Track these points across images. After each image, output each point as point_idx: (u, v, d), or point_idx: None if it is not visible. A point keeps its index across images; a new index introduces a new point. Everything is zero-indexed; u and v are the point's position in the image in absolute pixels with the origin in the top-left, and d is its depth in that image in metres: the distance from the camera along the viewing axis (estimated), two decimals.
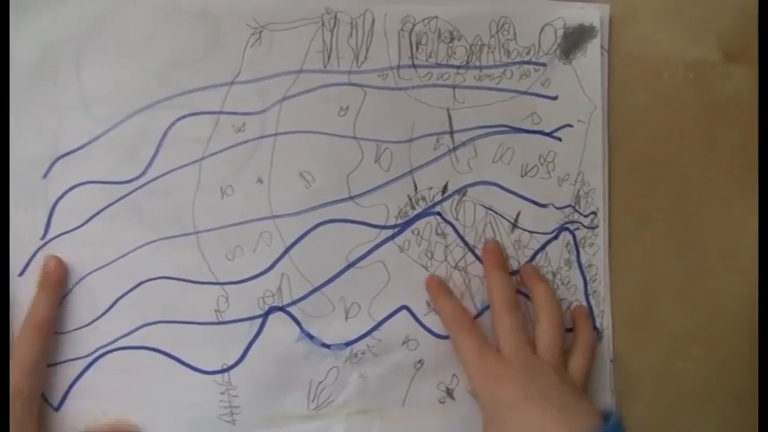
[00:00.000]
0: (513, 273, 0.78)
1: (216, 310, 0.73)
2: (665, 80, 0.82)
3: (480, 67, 0.77)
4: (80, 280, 0.71)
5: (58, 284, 0.69)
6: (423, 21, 0.76)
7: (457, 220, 0.77)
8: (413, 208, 0.76)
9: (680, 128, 0.83)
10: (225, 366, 0.73)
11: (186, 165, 0.72)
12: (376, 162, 0.75)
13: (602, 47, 0.79)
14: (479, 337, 0.73)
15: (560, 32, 0.78)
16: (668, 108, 0.82)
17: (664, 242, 0.83)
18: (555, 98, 0.79)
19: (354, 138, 0.75)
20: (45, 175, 0.70)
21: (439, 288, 0.76)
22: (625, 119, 0.81)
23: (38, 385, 0.67)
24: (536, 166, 0.78)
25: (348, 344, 0.75)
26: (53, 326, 0.68)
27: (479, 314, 0.78)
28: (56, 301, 0.69)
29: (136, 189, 0.71)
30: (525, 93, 0.78)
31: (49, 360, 0.70)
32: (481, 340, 0.73)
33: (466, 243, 0.77)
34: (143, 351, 0.72)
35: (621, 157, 0.81)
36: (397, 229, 0.76)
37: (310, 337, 0.74)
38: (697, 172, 0.83)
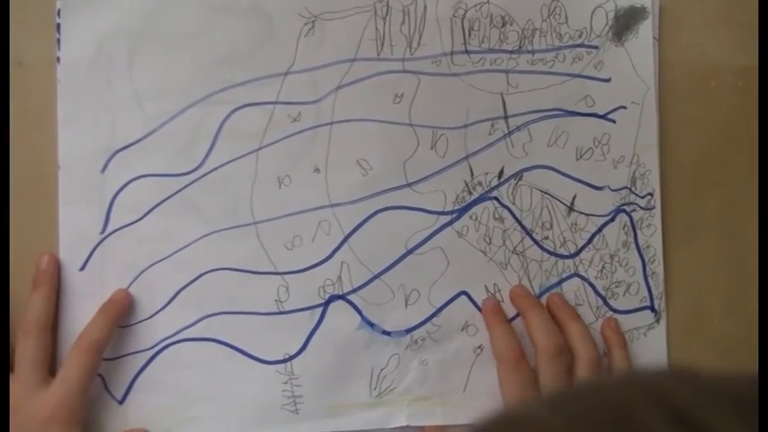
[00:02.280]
0: (572, 255, 0.74)
1: (276, 300, 0.70)
2: (713, 88, 0.78)
3: (533, 52, 0.73)
4: (140, 273, 0.69)
5: (119, 315, 0.67)
6: (474, 6, 0.72)
7: (514, 204, 0.73)
8: (470, 193, 0.72)
9: (729, 136, 0.78)
10: (287, 356, 0.70)
11: (243, 156, 0.70)
12: (432, 148, 0.72)
13: (653, 36, 0.75)
14: (526, 375, 0.69)
15: (611, 14, 0.74)
16: (717, 116, 0.78)
17: (713, 250, 0.78)
18: (608, 80, 0.75)
19: (410, 125, 0.71)
20: (103, 170, 0.68)
21: (494, 316, 0.72)
22: (674, 126, 0.76)
23: (78, 407, 0.63)
24: (591, 148, 0.74)
25: (408, 331, 0.72)
26: (103, 349, 0.65)
27: (538, 297, 0.74)
28: (111, 326, 0.66)
29: (193, 181, 0.69)
30: (578, 76, 0.74)
31: (113, 354, 0.68)
32: (527, 379, 0.69)
33: (524, 227, 0.73)
34: (205, 342, 0.69)
35: (670, 165, 0.76)
36: (454, 215, 0.72)
37: (371, 324, 0.71)
38: (746, 179, 0.78)
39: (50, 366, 0.65)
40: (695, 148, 0.77)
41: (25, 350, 0.63)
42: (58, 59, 0.67)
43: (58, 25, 0.67)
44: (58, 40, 0.67)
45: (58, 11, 0.67)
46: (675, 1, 0.76)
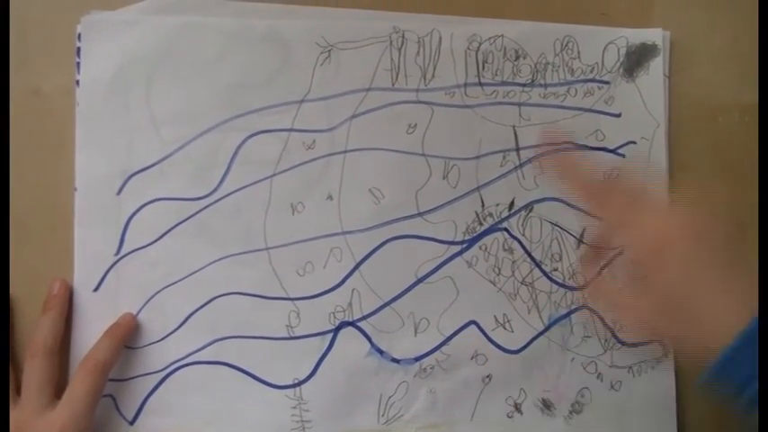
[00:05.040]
0: (581, 288, 0.72)
1: (287, 326, 0.68)
2: (720, 124, 0.76)
3: (545, 85, 0.72)
4: (153, 295, 0.67)
5: (125, 337, 0.65)
6: (489, 39, 0.71)
7: (524, 235, 0.72)
8: (480, 224, 0.71)
9: (735, 171, 0.76)
10: (296, 381, 0.68)
11: (257, 182, 0.68)
12: (444, 179, 0.71)
13: (664, 74, 0.74)
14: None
15: (623, 51, 0.73)
16: (723, 152, 0.76)
17: None
18: (618, 115, 0.73)
19: (423, 155, 0.70)
20: (119, 192, 0.66)
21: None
22: (680, 161, 0.75)
23: (84, 428, 0.61)
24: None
25: (417, 359, 0.70)
26: (108, 371, 0.63)
27: (547, 328, 0.72)
28: (117, 349, 0.64)
29: (208, 206, 0.68)
30: (589, 110, 0.73)
31: (124, 375, 0.67)
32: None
33: (533, 259, 0.72)
34: (215, 366, 0.68)
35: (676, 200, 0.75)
36: (464, 245, 0.71)
37: (380, 351, 0.69)
38: (752, 215, 0.76)
39: (60, 389, 0.63)
40: (701, 183, 0.76)
41: (32, 373, 0.61)
42: (78, 83, 0.66)
43: (78, 49, 0.66)
44: (78, 64, 0.66)
45: (79, 35, 0.66)
46: (684, 37, 0.75)
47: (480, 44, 0.71)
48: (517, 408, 0.72)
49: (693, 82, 0.75)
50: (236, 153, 0.68)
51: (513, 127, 0.72)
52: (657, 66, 0.74)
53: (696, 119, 0.76)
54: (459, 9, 0.71)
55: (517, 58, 0.72)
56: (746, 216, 0.76)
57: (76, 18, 0.66)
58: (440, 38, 0.70)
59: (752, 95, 0.76)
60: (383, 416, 0.70)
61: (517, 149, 0.72)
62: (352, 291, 0.69)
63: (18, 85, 0.66)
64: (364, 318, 0.69)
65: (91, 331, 0.65)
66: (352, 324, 0.69)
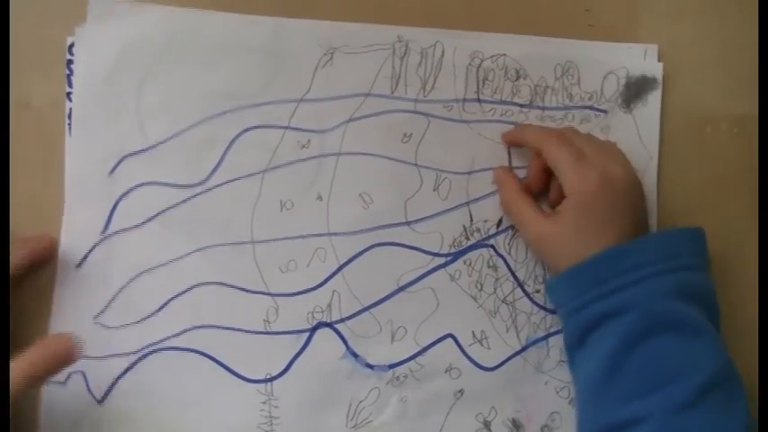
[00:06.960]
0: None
1: (265, 320, 0.68)
2: (708, 134, 0.76)
3: (543, 108, 0.72)
4: (135, 277, 0.67)
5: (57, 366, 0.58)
6: (491, 57, 0.71)
7: (509, 254, 0.71)
8: (467, 238, 0.71)
9: (723, 183, 0.76)
10: (268, 376, 0.68)
11: (249, 175, 0.68)
12: (434, 190, 0.70)
13: (660, 108, 0.74)
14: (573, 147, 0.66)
15: (623, 81, 0.73)
16: (711, 163, 0.75)
17: None
18: None
19: (415, 165, 0.70)
20: (111, 172, 0.66)
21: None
22: (668, 171, 0.74)
23: None
24: None
25: (391, 366, 0.70)
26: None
27: (524, 349, 0.71)
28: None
29: (198, 194, 0.68)
30: None
31: (98, 353, 0.66)
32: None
33: (516, 278, 0.71)
34: (189, 353, 0.67)
35: (664, 210, 0.74)
36: (449, 258, 0.70)
37: (355, 355, 0.69)
38: (740, 227, 0.76)
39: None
40: (690, 194, 0.75)
41: None
42: (68, 95, 0.67)
43: (68, 62, 0.67)
44: (68, 77, 0.67)
45: (69, 47, 0.67)
46: (672, 49, 0.75)
47: (482, 61, 0.71)
48: (486, 425, 0.71)
49: (681, 93, 0.75)
50: (230, 145, 0.68)
51: (508, 146, 0.71)
52: (655, 99, 0.73)
53: (684, 130, 0.75)
54: (449, 18, 0.72)
55: (518, 78, 0.72)
56: (734, 228, 0.75)
57: (65, 31, 0.67)
58: (443, 51, 0.71)
59: (740, 106, 0.76)
60: (352, 420, 0.69)
61: (510, 169, 0.71)
62: (333, 292, 0.69)
63: None
64: (342, 320, 0.69)
65: (71, 307, 0.65)
66: (329, 325, 0.69)
